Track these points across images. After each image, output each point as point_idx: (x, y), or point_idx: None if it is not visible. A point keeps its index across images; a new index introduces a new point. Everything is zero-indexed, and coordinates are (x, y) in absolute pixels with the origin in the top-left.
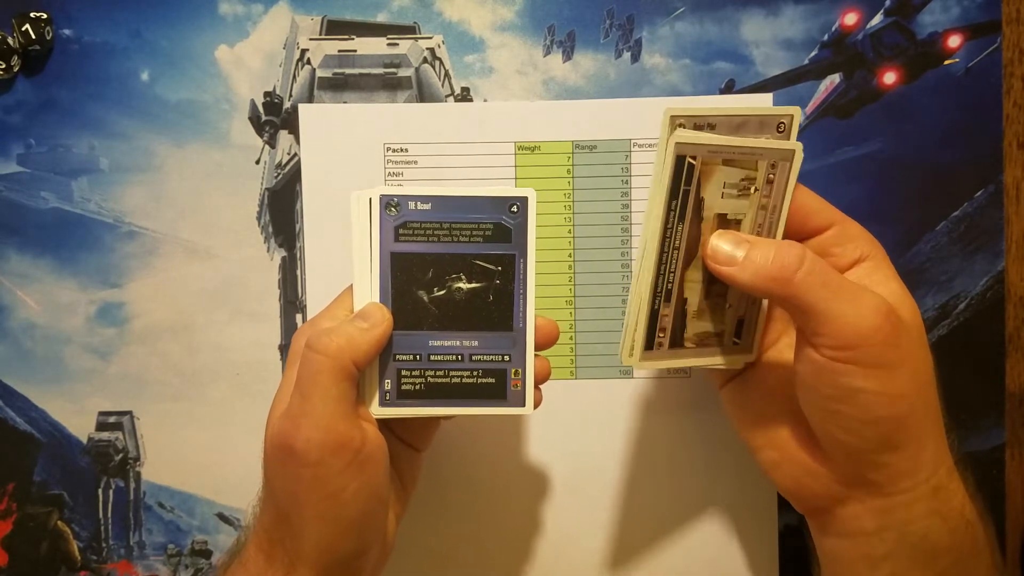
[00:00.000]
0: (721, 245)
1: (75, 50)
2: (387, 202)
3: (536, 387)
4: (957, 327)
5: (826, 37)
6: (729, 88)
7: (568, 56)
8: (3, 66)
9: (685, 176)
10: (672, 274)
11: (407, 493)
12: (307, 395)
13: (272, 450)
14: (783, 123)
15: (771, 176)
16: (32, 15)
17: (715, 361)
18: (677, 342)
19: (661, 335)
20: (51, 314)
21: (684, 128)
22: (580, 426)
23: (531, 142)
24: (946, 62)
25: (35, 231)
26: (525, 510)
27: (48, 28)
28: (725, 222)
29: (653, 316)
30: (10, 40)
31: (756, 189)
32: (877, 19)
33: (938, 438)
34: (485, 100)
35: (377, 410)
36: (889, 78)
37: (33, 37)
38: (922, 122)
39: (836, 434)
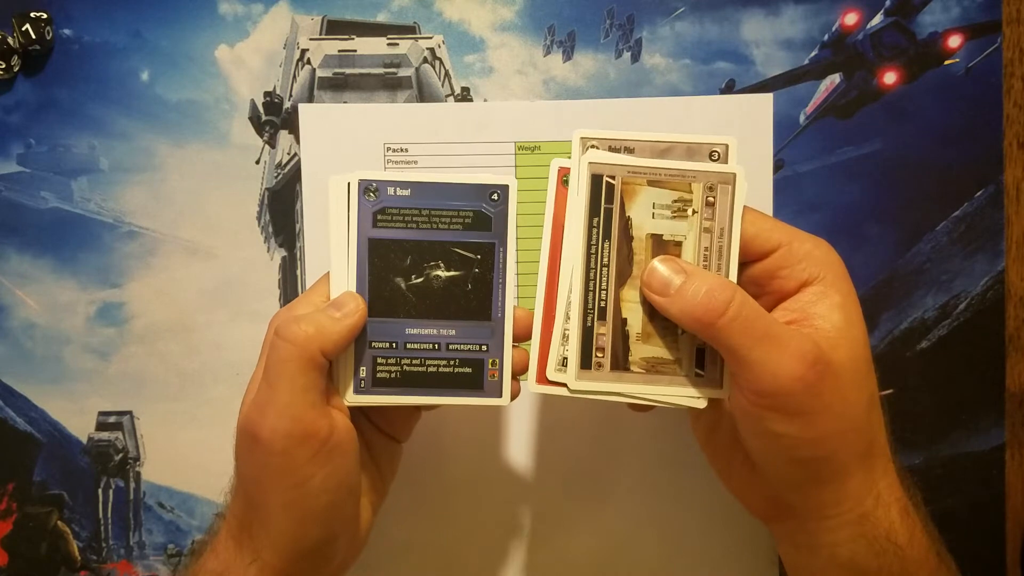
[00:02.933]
0: (658, 270)
1: (75, 50)
2: (366, 187)
3: (514, 378)
4: (957, 327)
5: (826, 37)
6: (729, 88)
7: (568, 56)
8: (3, 66)
9: (605, 195)
10: (604, 291)
11: (385, 483)
12: (273, 383)
13: (240, 438)
14: (716, 152)
15: (710, 199)
16: (32, 15)
17: (673, 392)
18: (620, 365)
19: (600, 355)
20: (51, 314)
21: (597, 150)
22: (579, 426)
23: (531, 142)
24: (946, 62)
25: (35, 231)
26: (523, 510)
27: (48, 28)
28: (661, 243)
29: (587, 333)
30: (10, 40)
31: (694, 211)
32: (877, 19)
33: (867, 469)
34: (485, 100)
35: (351, 398)
36: (889, 78)
37: (33, 37)
38: (922, 122)
39: (763, 467)
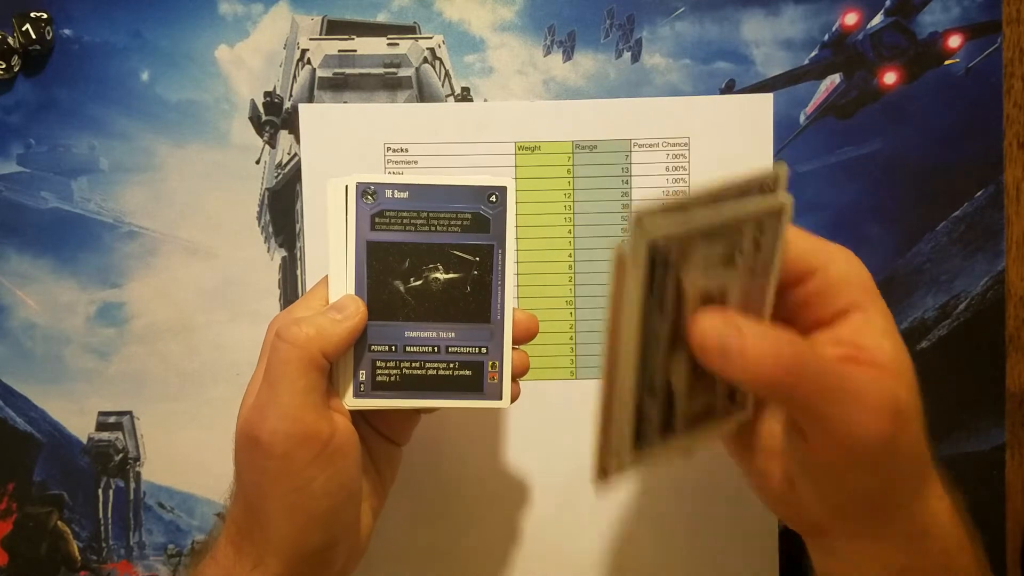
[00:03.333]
0: (710, 332)
1: (75, 50)
2: (364, 190)
3: (514, 380)
4: (957, 327)
5: (826, 37)
6: (729, 88)
7: (568, 56)
8: (3, 66)
9: (659, 266)
10: (655, 365)
11: (385, 487)
12: (274, 385)
13: (239, 441)
14: (767, 184)
15: (758, 238)
16: (32, 15)
17: (711, 434)
18: (667, 428)
19: (647, 426)
20: (51, 314)
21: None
22: (579, 426)
23: (531, 142)
24: (946, 62)
25: (35, 231)
26: (523, 511)
27: (48, 28)
28: (709, 298)
29: (639, 414)
30: (10, 40)
31: (742, 254)
32: (877, 19)
33: (922, 489)
34: (485, 100)
35: (351, 401)
36: (889, 78)
37: (33, 37)
38: (922, 122)
39: (818, 501)
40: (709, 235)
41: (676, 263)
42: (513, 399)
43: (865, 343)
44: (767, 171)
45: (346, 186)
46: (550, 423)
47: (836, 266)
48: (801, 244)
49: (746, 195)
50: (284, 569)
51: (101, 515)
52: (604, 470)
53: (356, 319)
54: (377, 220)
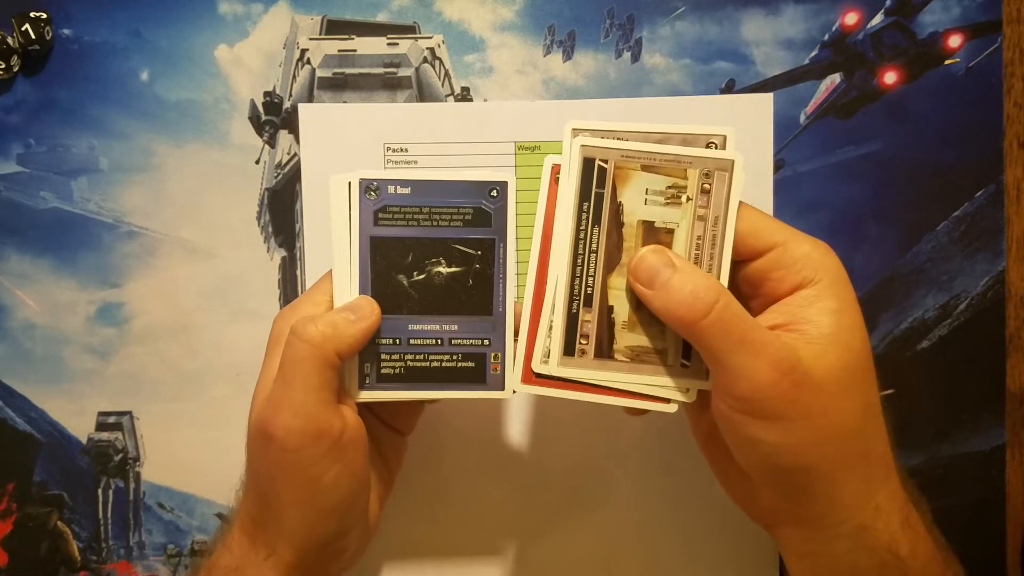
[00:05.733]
0: (646, 261)
1: (75, 50)
2: (367, 186)
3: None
4: (957, 327)
5: (826, 37)
6: (729, 88)
7: (568, 56)
8: (3, 66)
9: (596, 179)
10: (591, 278)
11: (392, 476)
12: (288, 382)
13: (253, 435)
14: (713, 142)
15: (706, 186)
16: (32, 15)
17: (657, 382)
18: (604, 353)
19: (584, 342)
20: (51, 314)
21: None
22: (580, 425)
23: (531, 142)
24: (946, 62)
25: (35, 231)
26: (523, 510)
27: (48, 28)
28: (653, 230)
29: (572, 320)
30: (10, 40)
31: (689, 198)
32: (877, 19)
33: (863, 480)
34: (485, 100)
35: (357, 394)
36: (889, 78)
37: (33, 37)
38: (922, 122)
39: (750, 474)
40: (649, 167)
41: (614, 182)
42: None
43: (803, 315)
44: (714, 128)
45: (349, 182)
46: (550, 423)
47: (798, 245)
48: (765, 222)
49: (690, 144)
50: (297, 558)
51: (101, 515)
52: (529, 371)
53: (370, 320)
54: (380, 215)
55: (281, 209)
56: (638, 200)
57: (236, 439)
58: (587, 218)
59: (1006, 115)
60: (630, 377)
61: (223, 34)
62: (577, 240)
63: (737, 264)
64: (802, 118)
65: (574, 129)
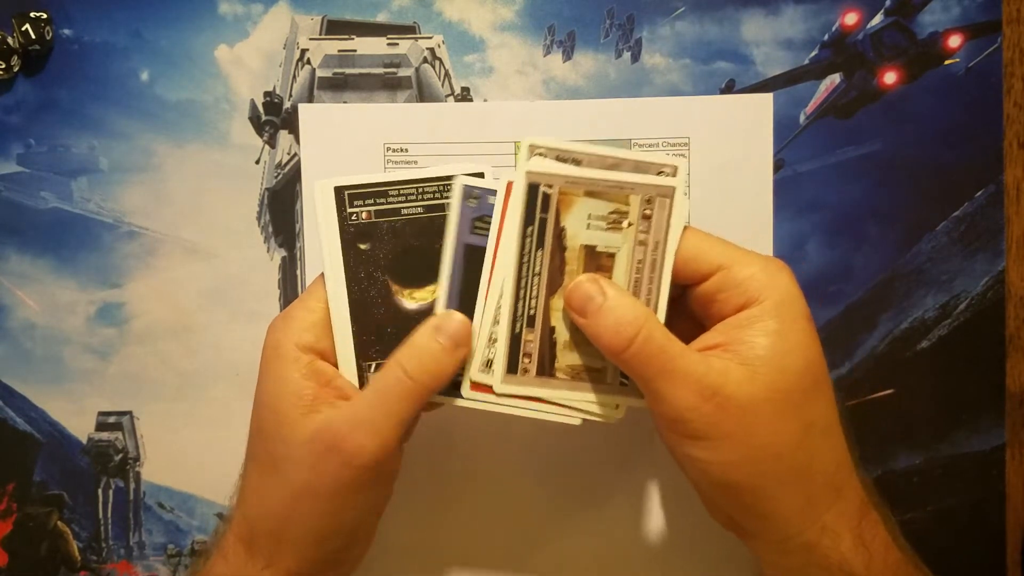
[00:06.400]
0: (580, 289)
1: (75, 50)
2: (468, 193)
3: None
4: (957, 327)
5: (826, 37)
6: (729, 88)
7: (568, 56)
8: (3, 66)
9: (540, 204)
10: (534, 299)
11: (390, 486)
12: (382, 408)
13: (311, 443)
14: (664, 171)
15: (647, 212)
16: (32, 15)
17: (596, 399)
18: (546, 371)
19: (527, 360)
20: (51, 314)
21: (544, 158)
22: (580, 427)
23: None
24: (946, 62)
25: (35, 231)
26: (523, 510)
27: (48, 28)
28: (594, 254)
29: (515, 340)
30: (10, 40)
31: (630, 223)
32: (877, 19)
33: (804, 500)
34: (485, 100)
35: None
36: (889, 78)
37: (33, 37)
38: (922, 122)
39: (695, 488)
40: (592, 193)
41: (557, 207)
42: None
43: (740, 336)
44: (664, 158)
45: (334, 187)
46: (550, 424)
47: (743, 267)
48: (711, 245)
49: (641, 170)
50: (297, 569)
51: (101, 515)
52: (474, 382)
53: (465, 349)
54: (477, 224)
55: (281, 209)
56: (581, 225)
57: (236, 439)
58: (531, 242)
59: (1006, 115)
60: (569, 395)
61: (223, 34)
62: (521, 263)
63: (687, 288)
64: (802, 118)
65: (531, 147)
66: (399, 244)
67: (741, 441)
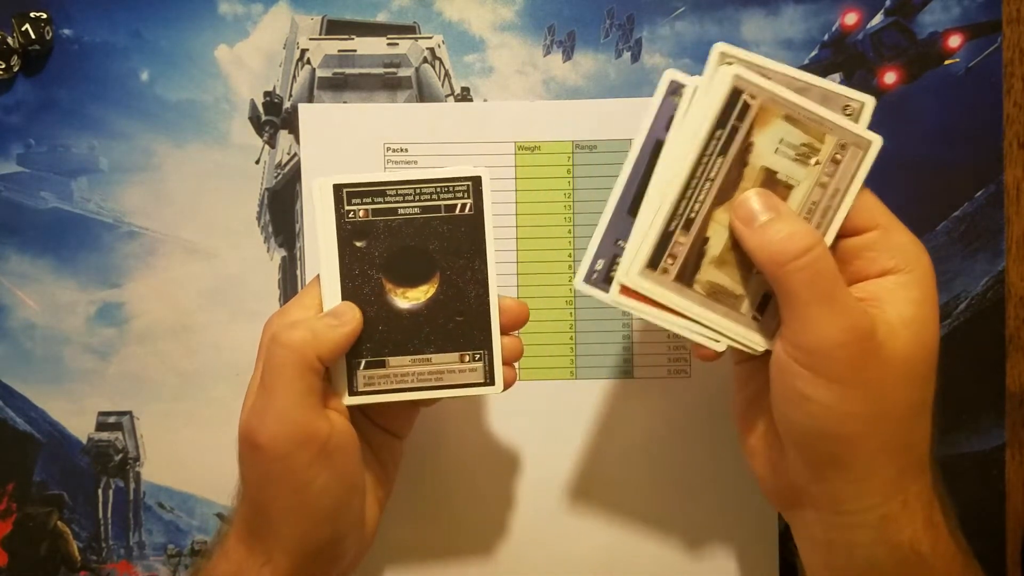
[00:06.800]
0: (751, 199)
1: (75, 50)
2: (674, 89)
3: (508, 365)
4: (957, 327)
5: (826, 37)
6: None
7: (568, 56)
8: (3, 66)
9: (738, 112)
10: (699, 204)
11: (389, 480)
12: (271, 390)
13: (240, 445)
14: (851, 106)
15: (838, 156)
16: (32, 15)
17: (724, 326)
18: (685, 279)
19: (670, 261)
20: (51, 314)
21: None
22: (580, 426)
23: (531, 142)
24: (946, 62)
25: (35, 231)
26: (523, 510)
27: (48, 28)
28: (773, 179)
29: (665, 237)
30: (10, 40)
31: (818, 162)
32: (877, 19)
33: (897, 471)
34: (485, 100)
35: (347, 399)
36: (889, 78)
37: (33, 37)
38: (922, 122)
39: (787, 436)
40: (791, 118)
41: (753, 121)
42: (507, 385)
43: (888, 298)
44: (854, 93)
45: (333, 186)
46: (550, 423)
47: (900, 235)
48: (874, 203)
49: (828, 103)
50: (293, 564)
51: (101, 515)
52: (623, 286)
53: (352, 326)
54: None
55: (281, 209)
56: (770, 146)
57: (236, 439)
58: (716, 145)
59: (1006, 115)
60: (701, 312)
61: (223, 34)
62: (698, 163)
63: (836, 238)
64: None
65: (721, 53)
66: (395, 243)
67: (874, 395)
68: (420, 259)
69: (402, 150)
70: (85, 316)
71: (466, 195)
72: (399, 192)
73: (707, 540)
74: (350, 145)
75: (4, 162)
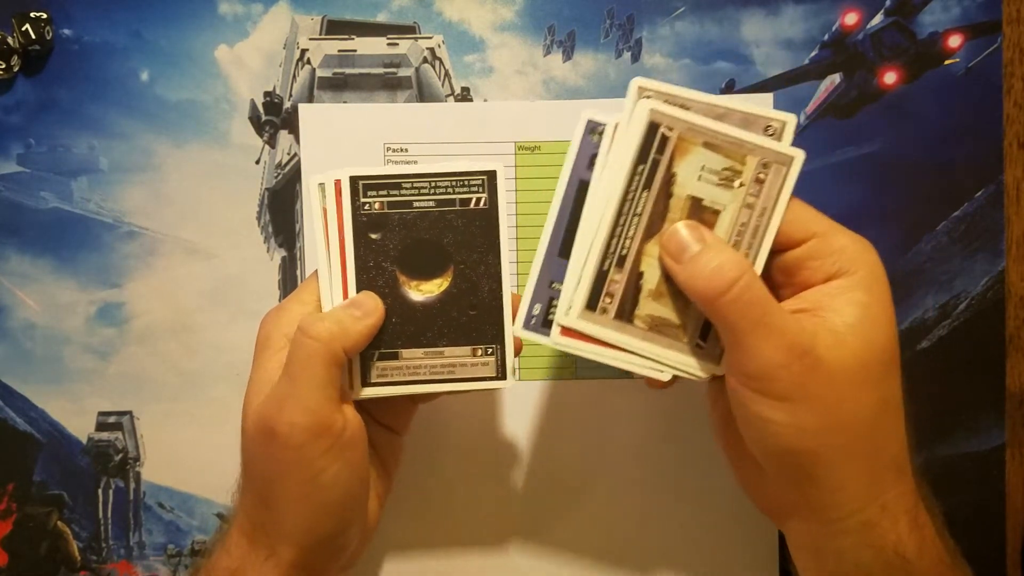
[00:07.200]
0: (678, 234)
1: (75, 50)
2: (592, 128)
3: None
4: (957, 327)
5: (826, 37)
6: (729, 88)
7: (568, 56)
8: (3, 66)
9: (657, 145)
10: (629, 239)
11: (390, 476)
12: (295, 378)
13: (254, 433)
14: (772, 127)
15: (761, 176)
16: (32, 15)
17: (669, 357)
18: (625, 316)
19: (608, 300)
20: (51, 314)
21: (653, 100)
22: (580, 426)
23: (531, 142)
24: (946, 62)
25: (35, 231)
26: (523, 510)
27: (48, 28)
28: (700, 206)
29: (600, 277)
30: (10, 40)
31: (742, 184)
32: (877, 19)
33: (869, 477)
34: (485, 100)
35: (360, 391)
36: (889, 78)
37: (33, 37)
38: (922, 122)
39: (758, 455)
40: (710, 144)
41: (673, 152)
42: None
43: (829, 304)
44: (775, 113)
45: (337, 181)
46: (550, 423)
47: (838, 238)
48: (807, 213)
49: (750, 126)
50: (297, 557)
51: (101, 515)
52: (563, 327)
53: (375, 316)
54: (594, 161)
55: (281, 209)
56: (692, 175)
57: (236, 439)
58: (639, 180)
59: (1006, 115)
60: (642, 345)
61: (223, 34)
62: (624, 200)
63: (773, 253)
64: (802, 118)
65: (640, 88)
66: (409, 236)
67: (824, 407)
68: (434, 252)
69: (402, 150)
70: (85, 316)
71: (481, 189)
72: (414, 185)
73: (707, 540)
74: (350, 145)
75: (4, 162)
